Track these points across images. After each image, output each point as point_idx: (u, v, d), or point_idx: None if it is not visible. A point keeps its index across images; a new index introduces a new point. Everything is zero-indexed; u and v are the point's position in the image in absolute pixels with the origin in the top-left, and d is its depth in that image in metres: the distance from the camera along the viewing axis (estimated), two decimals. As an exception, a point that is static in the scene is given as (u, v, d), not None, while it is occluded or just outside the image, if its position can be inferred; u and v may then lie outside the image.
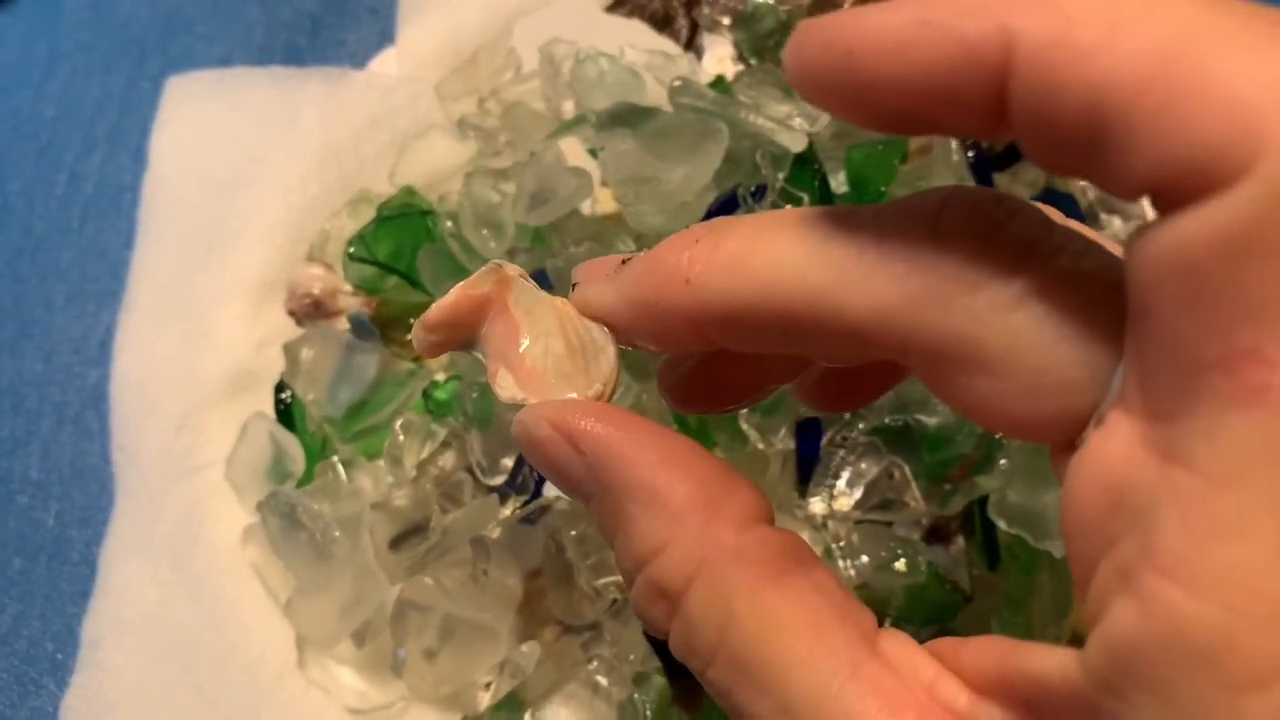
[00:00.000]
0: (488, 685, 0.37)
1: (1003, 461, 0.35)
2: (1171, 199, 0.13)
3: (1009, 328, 0.16)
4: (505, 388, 0.21)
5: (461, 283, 0.21)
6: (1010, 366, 0.16)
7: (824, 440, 0.36)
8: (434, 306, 0.21)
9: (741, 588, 0.17)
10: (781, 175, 0.38)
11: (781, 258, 0.18)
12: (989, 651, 0.17)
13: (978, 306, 0.16)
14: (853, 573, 0.35)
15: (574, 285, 0.21)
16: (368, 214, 0.44)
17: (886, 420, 0.36)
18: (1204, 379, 0.13)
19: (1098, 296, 0.15)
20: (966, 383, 0.16)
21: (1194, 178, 0.13)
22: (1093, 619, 0.15)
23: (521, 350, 0.21)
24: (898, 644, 0.17)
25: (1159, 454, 0.14)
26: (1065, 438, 0.16)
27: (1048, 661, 0.15)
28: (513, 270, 0.21)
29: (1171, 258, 0.13)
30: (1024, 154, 0.15)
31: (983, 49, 0.14)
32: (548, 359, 0.21)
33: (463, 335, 0.21)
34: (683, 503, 0.18)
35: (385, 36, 0.52)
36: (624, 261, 0.20)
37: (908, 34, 0.15)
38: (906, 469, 0.36)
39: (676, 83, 0.40)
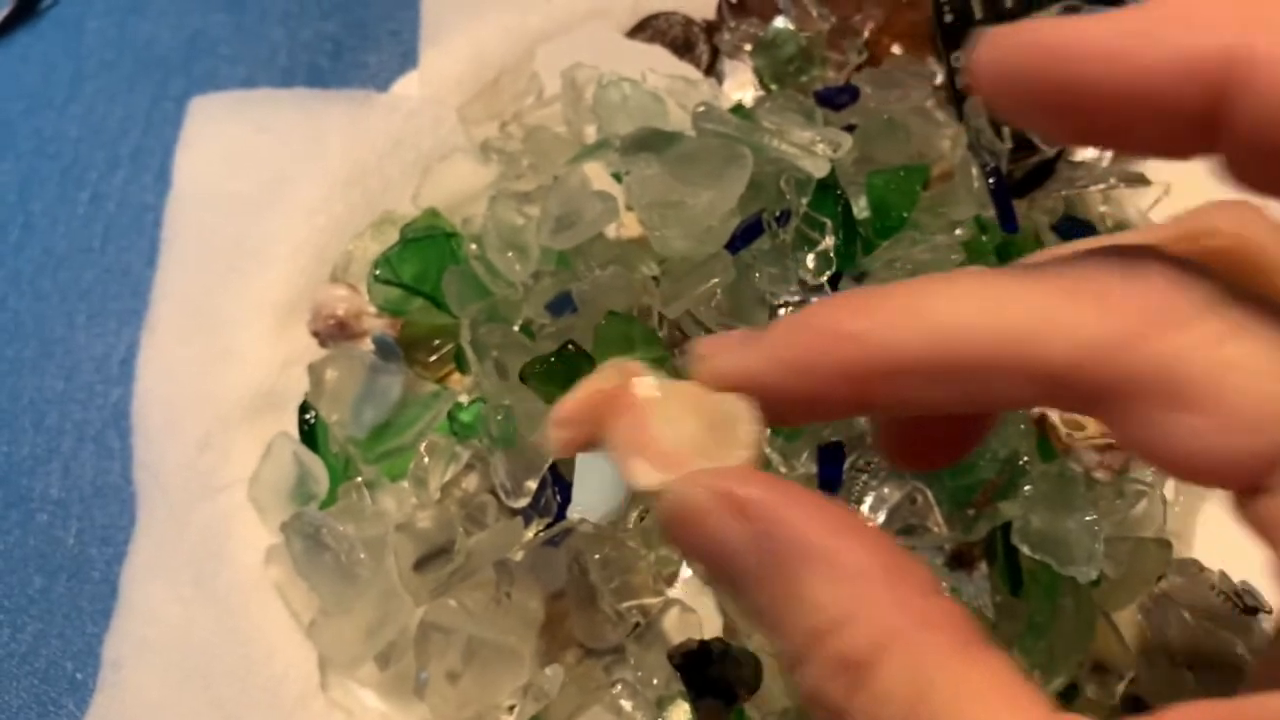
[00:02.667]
0: (511, 708, 0.37)
1: (1026, 488, 0.35)
2: None
3: (1218, 362, 0.16)
4: (644, 474, 0.19)
5: (585, 379, 0.21)
6: (1215, 402, 0.16)
7: (847, 464, 0.37)
8: (562, 403, 0.20)
9: (936, 656, 0.16)
10: (804, 200, 0.39)
11: (963, 301, 0.17)
12: None
13: (1185, 341, 0.16)
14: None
15: (698, 359, 0.20)
16: (391, 236, 0.44)
17: (909, 445, 0.36)
18: None
19: None
20: (1164, 420, 0.16)
21: None
22: None
23: (654, 435, 0.19)
24: None
25: None
26: (1252, 479, 0.16)
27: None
28: (634, 365, 0.21)
29: None
30: (1232, 170, 0.16)
31: (1204, 64, 0.15)
32: (683, 440, 0.19)
33: (591, 432, 0.20)
34: (866, 569, 0.17)
35: (408, 59, 0.53)
36: (747, 334, 0.20)
37: (1128, 42, 0.15)
38: (929, 494, 0.36)
39: (700, 108, 0.40)
